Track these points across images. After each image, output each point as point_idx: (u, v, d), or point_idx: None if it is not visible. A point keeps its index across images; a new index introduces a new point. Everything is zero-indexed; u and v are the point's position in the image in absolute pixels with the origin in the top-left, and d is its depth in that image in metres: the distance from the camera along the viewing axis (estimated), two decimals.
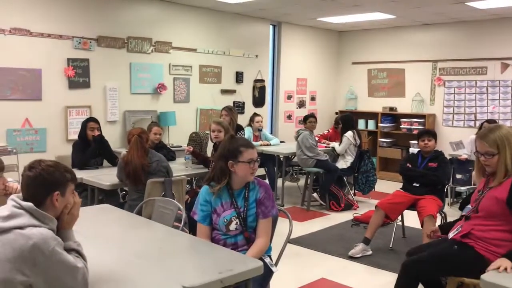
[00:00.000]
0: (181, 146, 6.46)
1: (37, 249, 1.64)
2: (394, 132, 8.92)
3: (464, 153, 6.48)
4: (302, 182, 7.15)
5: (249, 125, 7.10)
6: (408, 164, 4.74)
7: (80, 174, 4.31)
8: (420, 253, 2.92)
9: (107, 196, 4.45)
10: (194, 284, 1.93)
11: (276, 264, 2.75)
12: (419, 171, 4.61)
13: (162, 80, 6.92)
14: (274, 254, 2.80)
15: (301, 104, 9.25)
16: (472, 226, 2.68)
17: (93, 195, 4.38)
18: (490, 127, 2.76)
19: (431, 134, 4.69)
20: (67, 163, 2.81)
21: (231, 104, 7.56)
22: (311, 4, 6.95)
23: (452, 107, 8.36)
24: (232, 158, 2.59)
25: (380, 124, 8.92)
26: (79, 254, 1.83)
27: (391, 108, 8.89)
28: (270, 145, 7.00)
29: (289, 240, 2.86)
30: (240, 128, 6.13)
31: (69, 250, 1.78)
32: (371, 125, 9.11)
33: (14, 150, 5.15)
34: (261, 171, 6.89)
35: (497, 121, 7.19)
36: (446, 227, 3.09)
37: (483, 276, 2.21)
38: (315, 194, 6.54)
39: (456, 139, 7.58)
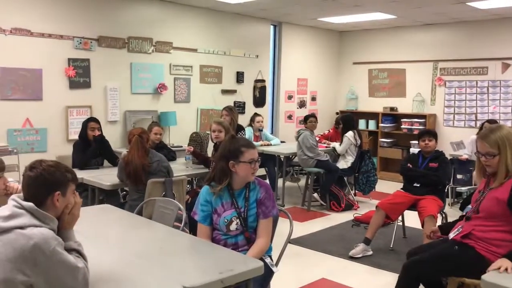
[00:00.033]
0: (181, 146, 6.47)
1: (38, 249, 1.64)
2: (395, 132, 8.91)
3: (464, 153, 6.47)
4: (302, 182, 7.15)
5: (250, 125, 7.10)
6: (408, 164, 4.74)
7: (81, 174, 4.32)
8: (421, 253, 2.92)
9: (108, 196, 4.46)
10: (194, 284, 1.93)
11: (276, 264, 2.75)
12: (419, 171, 4.61)
13: (162, 80, 6.92)
14: (275, 254, 2.80)
15: (302, 104, 9.25)
16: (473, 227, 2.68)
17: (93, 195, 4.38)
18: (491, 127, 2.75)
19: (432, 134, 4.69)
20: (67, 163, 2.81)
21: (232, 104, 7.55)
22: (312, 4, 6.95)
23: (453, 107, 8.35)
24: (233, 158, 2.59)
25: (380, 124, 8.91)
26: (80, 254, 1.83)
27: (392, 108, 8.89)
28: (271, 145, 7.00)
29: (289, 240, 2.86)
30: (240, 128, 6.12)
31: (69, 250, 1.79)
32: (372, 125, 9.11)
33: (15, 150, 5.16)
34: (262, 171, 6.89)
35: (498, 121, 7.18)
36: (446, 227, 3.09)
37: (483, 277, 2.21)
38: (315, 194, 6.54)
39: (457, 139, 7.58)
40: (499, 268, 2.28)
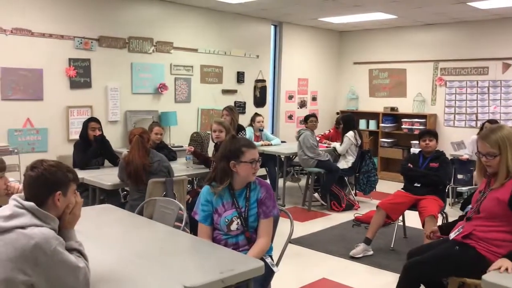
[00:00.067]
0: (182, 146, 6.47)
1: (39, 248, 1.64)
2: (395, 132, 8.91)
3: (465, 153, 6.47)
4: (303, 182, 7.15)
5: (250, 125, 7.10)
6: (409, 164, 4.74)
7: (82, 174, 4.32)
8: (421, 253, 2.92)
9: (108, 196, 4.46)
10: (195, 284, 1.93)
11: (277, 264, 2.75)
12: (420, 171, 4.61)
13: (163, 80, 6.93)
14: (275, 254, 2.80)
15: (302, 104, 9.25)
16: (474, 227, 2.68)
17: (94, 195, 4.38)
18: (491, 127, 2.75)
19: (432, 134, 4.69)
20: (68, 163, 2.81)
21: (232, 104, 7.55)
22: (312, 4, 6.95)
23: (454, 107, 8.35)
24: (234, 159, 2.59)
25: (381, 124, 8.91)
26: (81, 253, 1.84)
27: (392, 108, 8.89)
28: (271, 145, 7.00)
29: (290, 240, 2.86)
30: (241, 128, 6.12)
31: (70, 249, 1.79)
32: (372, 125, 9.11)
33: (16, 150, 5.16)
34: (262, 171, 6.89)
35: (499, 121, 7.18)
36: (445, 227, 3.09)
37: (484, 277, 2.22)
38: (316, 194, 6.54)
39: (458, 139, 7.58)
40: (499, 268, 2.28)
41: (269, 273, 2.58)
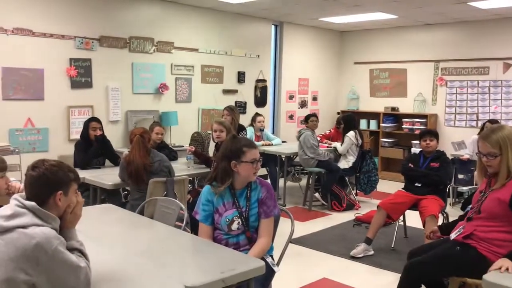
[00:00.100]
0: (183, 146, 6.48)
1: (40, 248, 1.64)
2: (396, 132, 8.91)
3: (466, 153, 6.47)
4: (304, 182, 7.15)
5: (251, 125, 7.10)
6: (410, 164, 4.74)
7: (82, 174, 4.30)
8: (422, 253, 2.92)
9: (109, 195, 4.46)
10: (196, 283, 1.93)
11: (278, 264, 2.75)
12: (421, 171, 4.61)
13: (164, 80, 6.93)
14: (276, 254, 2.80)
15: (303, 104, 9.25)
16: (475, 227, 2.68)
17: (95, 194, 4.38)
18: (492, 127, 2.74)
19: (433, 134, 4.69)
20: (69, 163, 2.81)
21: (233, 104, 7.56)
22: (313, 4, 6.95)
23: (454, 107, 8.35)
24: (235, 158, 2.60)
25: (382, 124, 8.91)
26: (82, 253, 1.84)
27: (393, 108, 8.89)
28: (272, 145, 7.00)
29: (291, 240, 2.86)
30: (242, 128, 6.12)
31: (71, 249, 1.79)
32: (373, 125, 9.10)
33: (17, 150, 5.17)
34: (263, 171, 6.89)
35: (499, 121, 7.18)
36: (445, 227, 3.09)
37: (485, 276, 2.22)
38: (317, 194, 6.54)
39: (458, 139, 7.58)
40: (500, 268, 2.28)
41: (269, 273, 2.58)
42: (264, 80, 8.44)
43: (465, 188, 6.56)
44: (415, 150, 7.40)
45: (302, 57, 9.07)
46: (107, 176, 4.43)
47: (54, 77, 5.81)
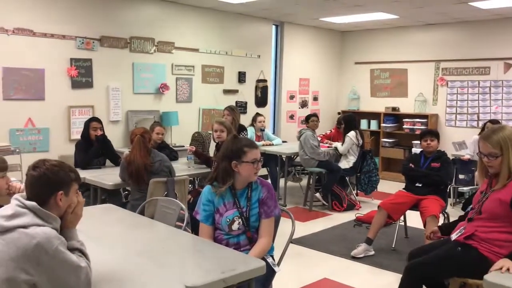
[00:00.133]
0: (183, 146, 6.48)
1: (41, 248, 1.64)
2: (397, 132, 8.91)
3: (467, 153, 6.46)
4: (304, 182, 7.15)
5: (252, 125, 7.10)
6: (410, 164, 4.74)
7: (83, 174, 4.30)
8: (422, 254, 2.92)
9: (110, 195, 4.46)
10: (196, 283, 1.93)
11: (278, 264, 2.75)
12: (421, 171, 4.61)
13: (164, 80, 6.93)
14: (277, 254, 2.80)
15: (304, 104, 9.25)
16: (476, 228, 2.68)
17: (95, 194, 4.39)
18: (493, 128, 2.73)
19: (434, 134, 4.68)
20: (70, 163, 2.81)
21: (234, 104, 7.56)
22: (314, 4, 6.95)
23: (455, 107, 8.34)
24: (235, 159, 2.59)
25: (382, 124, 8.91)
26: (82, 253, 1.84)
27: (394, 108, 8.88)
28: (273, 145, 7.00)
29: (291, 240, 2.86)
30: (242, 128, 6.12)
31: (72, 249, 1.79)
32: (374, 125, 9.10)
33: (17, 150, 5.16)
34: (263, 171, 6.89)
35: (500, 121, 7.18)
36: (446, 227, 3.09)
37: (486, 277, 2.22)
38: (317, 194, 6.53)
39: (459, 139, 7.58)
40: (501, 269, 2.28)
41: (270, 273, 2.58)
42: (265, 80, 8.44)
43: (466, 189, 6.56)
44: (416, 150, 7.39)
45: (302, 57, 9.07)
46: (108, 176, 4.43)
47: (54, 77, 5.81)
